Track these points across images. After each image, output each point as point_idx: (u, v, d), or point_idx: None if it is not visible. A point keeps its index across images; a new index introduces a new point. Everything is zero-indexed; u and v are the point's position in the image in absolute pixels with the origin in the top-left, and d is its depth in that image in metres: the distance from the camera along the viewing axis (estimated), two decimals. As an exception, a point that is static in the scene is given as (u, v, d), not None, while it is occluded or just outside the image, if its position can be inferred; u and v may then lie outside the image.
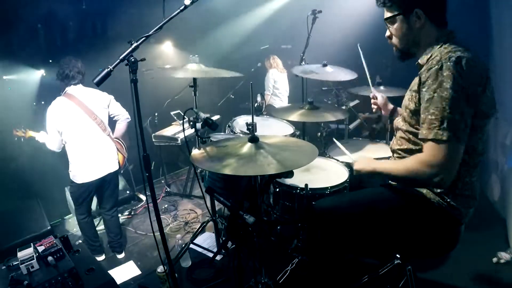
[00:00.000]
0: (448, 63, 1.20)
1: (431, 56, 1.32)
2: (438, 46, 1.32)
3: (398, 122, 1.54)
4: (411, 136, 1.42)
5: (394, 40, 1.44)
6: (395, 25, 1.39)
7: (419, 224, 1.45)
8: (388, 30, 1.44)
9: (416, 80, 1.36)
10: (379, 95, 1.92)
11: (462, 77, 1.19)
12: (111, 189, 2.78)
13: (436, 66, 1.22)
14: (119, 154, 2.77)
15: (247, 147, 1.49)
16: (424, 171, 1.24)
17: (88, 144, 2.57)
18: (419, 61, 1.40)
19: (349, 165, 2.19)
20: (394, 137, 1.61)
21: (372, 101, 1.95)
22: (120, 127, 2.84)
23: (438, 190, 1.39)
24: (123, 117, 2.82)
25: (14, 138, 2.72)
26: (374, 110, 1.94)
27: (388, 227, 1.50)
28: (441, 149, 1.21)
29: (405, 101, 1.45)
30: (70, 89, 2.56)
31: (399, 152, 1.51)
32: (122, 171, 2.83)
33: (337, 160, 2.28)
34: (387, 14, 1.40)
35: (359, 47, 2.08)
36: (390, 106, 1.90)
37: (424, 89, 1.25)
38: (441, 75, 1.20)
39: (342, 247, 1.66)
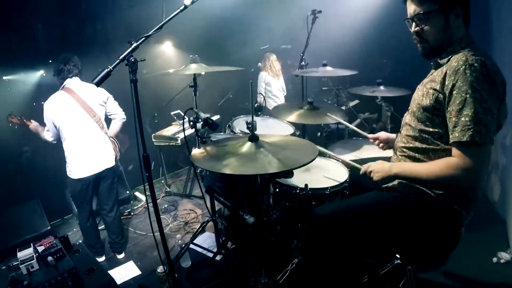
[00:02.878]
0: (476, 64, 1.20)
1: (451, 56, 1.31)
2: (460, 48, 1.31)
3: (406, 117, 1.53)
4: (418, 133, 1.41)
5: (429, 36, 1.34)
6: (431, 21, 1.31)
7: (419, 228, 1.45)
8: (416, 25, 1.35)
9: (435, 77, 1.33)
10: (378, 134, 1.91)
11: (490, 79, 1.19)
12: (107, 186, 2.77)
13: (464, 67, 1.21)
14: None
15: (247, 146, 1.49)
16: (461, 176, 1.23)
17: (85, 140, 2.58)
18: (439, 60, 1.37)
19: (349, 166, 2.18)
20: (399, 134, 1.59)
21: (376, 142, 1.91)
22: (115, 126, 2.83)
23: (440, 191, 1.39)
24: (119, 116, 2.82)
25: (8, 124, 2.72)
26: (383, 149, 1.90)
27: (388, 231, 1.50)
28: (477, 152, 1.20)
29: (417, 96, 1.43)
30: (68, 83, 2.57)
31: (404, 150, 1.50)
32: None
33: (337, 160, 2.28)
34: (421, 8, 1.31)
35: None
36: (392, 135, 1.84)
37: (455, 91, 1.22)
38: (471, 76, 1.19)
39: (343, 250, 1.66)
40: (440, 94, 1.29)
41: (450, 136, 1.25)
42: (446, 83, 1.26)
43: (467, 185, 1.27)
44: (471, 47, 1.30)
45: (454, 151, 1.25)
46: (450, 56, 1.32)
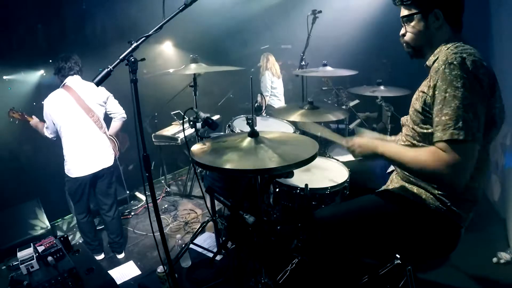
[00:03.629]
0: (455, 62, 1.20)
1: (437, 58, 1.32)
2: (446, 48, 1.32)
3: (406, 119, 1.55)
4: (416, 133, 1.42)
5: (409, 37, 1.41)
6: (412, 23, 1.38)
7: (418, 229, 1.45)
8: (403, 28, 1.43)
9: (425, 81, 1.36)
10: None
11: (470, 75, 1.18)
12: (105, 185, 2.78)
13: (443, 66, 1.22)
14: None
15: (247, 142, 1.48)
16: (441, 170, 1.20)
17: (83, 139, 2.58)
18: (427, 62, 1.39)
19: (348, 165, 2.18)
20: (400, 134, 1.62)
21: None
22: (115, 125, 2.84)
23: (439, 192, 1.39)
24: (119, 115, 2.82)
25: (9, 119, 2.76)
26: None
27: (388, 233, 1.50)
28: (458, 149, 1.18)
29: (413, 99, 1.45)
30: (69, 81, 2.57)
31: None
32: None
33: (337, 160, 2.28)
34: (405, 12, 1.39)
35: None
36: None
37: (436, 92, 1.23)
38: (450, 75, 1.19)
39: (343, 251, 1.66)
40: (427, 96, 1.31)
41: (434, 136, 1.25)
42: (431, 84, 1.28)
43: (448, 182, 1.23)
44: (458, 44, 1.30)
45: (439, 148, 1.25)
46: (436, 58, 1.34)
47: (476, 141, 1.19)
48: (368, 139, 1.49)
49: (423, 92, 1.33)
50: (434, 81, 1.24)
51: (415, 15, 1.36)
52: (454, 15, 1.34)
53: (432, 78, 1.27)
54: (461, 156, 1.18)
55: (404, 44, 1.45)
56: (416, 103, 1.38)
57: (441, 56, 1.29)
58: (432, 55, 1.38)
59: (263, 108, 4.32)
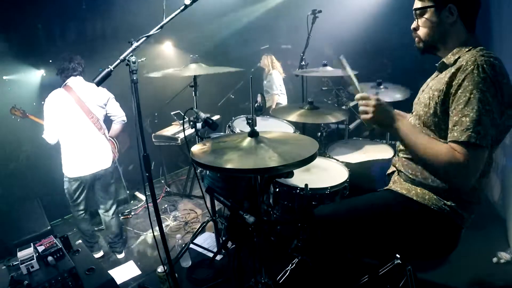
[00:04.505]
0: (485, 65, 1.18)
1: (459, 57, 1.30)
2: (468, 49, 1.30)
3: (410, 120, 1.51)
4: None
5: (421, 31, 1.37)
6: (425, 17, 1.34)
7: (419, 230, 1.44)
8: (415, 21, 1.39)
9: (442, 79, 1.32)
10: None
11: (497, 82, 1.18)
12: (104, 186, 2.78)
13: (472, 67, 1.19)
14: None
15: (247, 142, 1.48)
16: (453, 168, 1.19)
17: (81, 140, 2.58)
18: (444, 60, 1.36)
19: (349, 165, 2.18)
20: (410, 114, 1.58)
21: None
22: (115, 127, 2.85)
23: (444, 194, 1.38)
24: (119, 118, 2.82)
25: (12, 116, 2.81)
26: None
27: (389, 232, 1.49)
28: (472, 152, 1.17)
29: (423, 99, 1.41)
30: (70, 81, 2.56)
31: (407, 152, 1.49)
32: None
33: (337, 160, 2.28)
34: (418, 4, 1.35)
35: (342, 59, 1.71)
36: None
37: (460, 91, 1.21)
38: (478, 76, 1.18)
39: (343, 250, 1.65)
40: (446, 96, 1.27)
41: (449, 135, 1.23)
42: (453, 83, 1.24)
43: (456, 181, 1.24)
44: (480, 47, 1.28)
45: (453, 147, 1.22)
46: (457, 57, 1.31)
47: (488, 148, 1.19)
48: (387, 111, 1.38)
49: (441, 90, 1.29)
50: (460, 81, 1.21)
51: (428, 8, 1.32)
52: (468, 13, 1.32)
53: (456, 76, 1.23)
54: (473, 160, 1.17)
55: (416, 38, 1.41)
56: (430, 103, 1.34)
57: (466, 56, 1.26)
58: (450, 54, 1.34)
59: (273, 106, 4.35)
